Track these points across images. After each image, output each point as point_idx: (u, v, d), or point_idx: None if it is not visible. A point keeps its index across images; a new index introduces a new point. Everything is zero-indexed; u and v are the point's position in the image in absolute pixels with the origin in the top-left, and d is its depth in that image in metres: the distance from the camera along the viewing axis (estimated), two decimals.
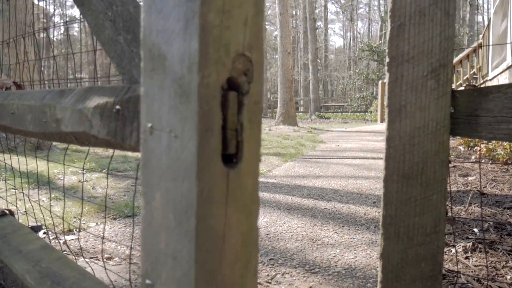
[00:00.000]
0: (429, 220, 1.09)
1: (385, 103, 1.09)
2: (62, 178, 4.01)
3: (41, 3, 49.53)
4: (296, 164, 5.03)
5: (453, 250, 1.71)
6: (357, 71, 21.96)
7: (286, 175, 4.23)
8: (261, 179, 3.93)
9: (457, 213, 2.44)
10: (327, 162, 5.23)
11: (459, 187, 3.29)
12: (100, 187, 3.57)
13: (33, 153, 6.26)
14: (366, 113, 22.35)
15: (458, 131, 1.13)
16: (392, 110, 1.09)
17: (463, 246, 1.77)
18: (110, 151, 6.51)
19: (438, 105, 1.06)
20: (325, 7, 37.61)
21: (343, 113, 27.82)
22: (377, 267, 1.84)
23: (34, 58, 6.87)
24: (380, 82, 12.58)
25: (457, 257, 1.58)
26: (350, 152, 6.35)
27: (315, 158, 5.61)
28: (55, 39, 50.73)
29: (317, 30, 29.93)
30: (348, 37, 56.48)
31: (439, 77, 1.08)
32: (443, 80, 1.07)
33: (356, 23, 49.62)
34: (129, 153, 6.03)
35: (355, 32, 50.60)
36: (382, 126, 11.86)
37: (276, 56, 55.27)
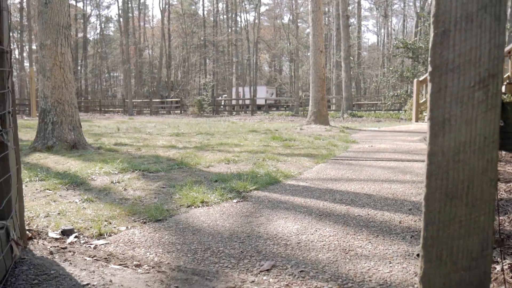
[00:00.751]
0: (476, 244, 1.00)
1: (427, 115, 1.01)
2: (95, 178, 4.06)
3: (79, 4, 50.81)
4: (328, 166, 4.93)
5: (498, 268, 1.60)
6: (391, 68, 21.48)
7: (317, 178, 4.15)
8: (291, 182, 3.87)
9: (501, 224, 2.31)
10: (360, 164, 5.10)
11: (501, 194, 3.12)
12: (132, 189, 3.59)
13: (69, 153, 6.40)
14: (400, 112, 21.85)
15: (509, 146, 1.02)
16: (435, 123, 1.01)
17: (509, 264, 1.65)
18: (143, 150, 6.59)
19: (487, 119, 0.97)
20: (359, 3, 37.03)
21: (376, 112, 27.32)
22: (415, 283, 1.75)
23: (71, 59, 7.02)
24: (415, 80, 12.24)
25: (504, 276, 1.47)
26: (384, 153, 6.19)
27: (347, 159, 5.50)
28: (91, 39, 51.93)
29: (350, 27, 29.47)
30: (382, 34, 55.47)
31: (487, 88, 0.98)
32: (492, 92, 0.97)
33: (390, 20, 48.63)
34: (161, 153, 6.08)
35: (389, 28, 49.61)
36: (417, 126, 11.54)
37: (308, 54, 54.88)
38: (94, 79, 52.74)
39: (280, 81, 47.05)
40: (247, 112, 33.65)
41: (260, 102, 39.83)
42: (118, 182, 3.85)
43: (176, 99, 37.27)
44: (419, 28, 23.78)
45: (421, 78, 12.43)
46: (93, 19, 52.77)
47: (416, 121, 12.17)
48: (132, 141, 8.29)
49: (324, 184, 3.83)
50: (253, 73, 47.28)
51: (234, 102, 37.71)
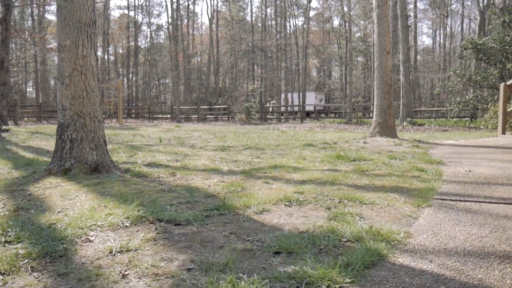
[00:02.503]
0: None
1: None
2: (92, 238, 2.62)
3: (131, 13, 51.15)
4: (440, 215, 3.25)
5: None
6: (457, 72, 19.11)
7: (439, 248, 2.49)
8: (404, 260, 2.22)
9: None
10: (484, 210, 3.38)
11: None
12: (137, 274, 2.09)
13: (88, 178, 5.07)
14: (473, 120, 19.41)
15: None
16: None
17: None
18: (178, 176, 5.14)
19: None
20: (415, 4, 34.46)
21: (437, 119, 24.81)
22: None
23: (95, 63, 5.72)
24: (502, 84, 10.17)
25: None
26: (501, 186, 4.40)
27: (458, 199, 3.78)
28: (142, 46, 52.05)
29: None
30: (438, 36, 52.06)
31: None
32: None
33: (450, 19, 45.33)
34: (199, 183, 4.62)
35: (448, 29, 46.29)
36: (508, 139, 9.47)
37: (359, 59, 52.39)
38: (144, 86, 52.86)
39: (332, 87, 44.91)
40: (296, 119, 31.95)
41: (309, 108, 38.04)
42: (121, 253, 2.37)
43: (224, 106, 36.19)
44: (490, 26, 21.21)
45: (509, 82, 10.31)
46: (144, 27, 53.02)
47: (503, 132, 10.07)
48: (169, 159, 6.90)
49: (459, 265, 2.18)
50: (302, 79, 45.57)
51: (282, 108, 36.10)
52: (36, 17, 42.81)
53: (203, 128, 19.83)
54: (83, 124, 5.49)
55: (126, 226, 2.89)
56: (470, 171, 5.59)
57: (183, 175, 5.25)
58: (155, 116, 36.85)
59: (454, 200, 3.74)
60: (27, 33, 25.89)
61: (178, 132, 15.99)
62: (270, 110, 36.93)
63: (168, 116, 35.79)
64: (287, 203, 3.60)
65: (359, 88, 43.96)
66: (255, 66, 48.18)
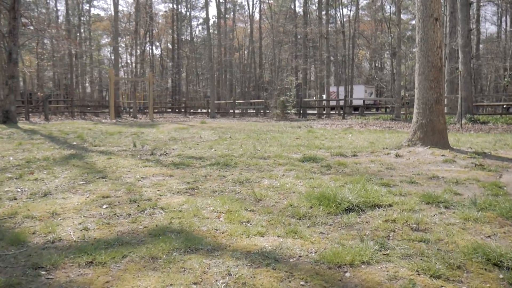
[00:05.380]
0: None
1: None
2: None
3: (175, 6, 48.96)
4: None
5: None
6: None
7: None
8: None
9: None
10: None
11: None
12: None
13: None
14: None
15: None
16: None
17: None
18: None
19: None
20: None
21: (504, 116, 20.13)
22: None
23: None
24: None
25: None
26: None
27: None
28: (184, 40, 50.01)
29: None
30: (504, 22, 45.53)
31: None
32: None
33: None
34: None
35: None
36: None
37: (414, 50, 46.95)
38: (187, 80, 50.83)
39: (378, 79, 40.30)
40: (341, 114, 28.11)
41: (357, 102, 33.91)
42: None
43: (259, 100, 33.04)
44: None
45: None
46: (189, 20, 50.83)
47: None
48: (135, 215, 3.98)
49: None
50: (349, 71, 41.38)
51: (324, 103, 32.27)
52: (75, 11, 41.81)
53: (225, 125, 16.84)
54: None
55: None
56: None
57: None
58: (191, 111, 34.45)
59: None
60: (45, 24, 24.09)
61: (189, 131, 13.13)
62: (312, 104, 33.27)
63: (205, 110, 33.25)
64: None
65: (411, 81, 39.00)
66: (300, 60, 44.52)
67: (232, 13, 51.36)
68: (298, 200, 3.63)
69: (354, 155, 6.76)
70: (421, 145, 6.87)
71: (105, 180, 4.74)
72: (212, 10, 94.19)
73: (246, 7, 47.16)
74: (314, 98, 41.90)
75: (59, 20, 39.01)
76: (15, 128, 13.46)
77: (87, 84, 52.21)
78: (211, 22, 48.62)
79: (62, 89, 37.22)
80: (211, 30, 47.41)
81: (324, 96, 33.61)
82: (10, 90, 17.57)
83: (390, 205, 3.41)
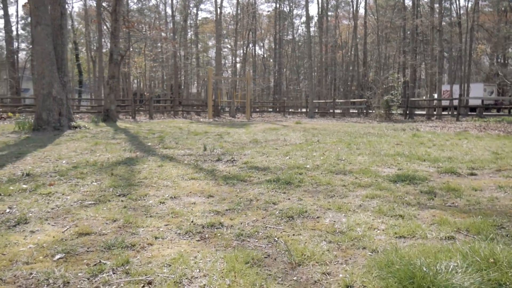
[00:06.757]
0: None
1: None
2: None
3: (278, 5, 48.53)
4: None
5: None
6: None
7: None
8: None
9: None
10: None
11: None
12: None
13: None
14: None
15: None
16: None
17: None
18: None
19: None
20: None
21: None
22: None
23: None
24: None
25: None
26: None
27: None
28: (286, 38, 49.17)
29: None
30: None
31: None
32: None
33: None
34: None
35: None
36: None
37: None
38: (291, 78, 50.02)
39: (510, 76, 35.04)
40: (455, 115, 24.73)
41: (475, 102, 29.76)
42: None
43: (361, 100, 30.74)
44: None
45: None
46: (292, 19, 49.96)
47: None
48: None
49: None
50: (465, 67, 36.79)
51: (435, 102, 28.86)
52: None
53: (320, 126, 15.45)
54: None
55: None
56: None
57: None
58: (290, 110, 33.52)
59: None
60: (145, 26, 24.89)
61: (278, 132, 12.10)
62: (423, 104, 30.05)
63: (304, 110, 32.07)
64: None
65: None
66: (407, 54, 40.87)
67: (335, 10, 49.24)
68: (365, 274, 2.19)
69: (472, 174, 5.00)
70: None
71: (121, 200, 3.77)
72: (315, 8, 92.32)
73: (350, 2, 44.55)
74: (424, 97, 38.05)
75: (168, 24, 40.83)
76: (109, 127, 13.65)
77: (195, 84, 54.26)
78: (314, 19, 47.19)
79: (169, 89, 38.96)
80: (314, 28, 45.95)
81: (435, 96, 30.08)
82: (111, 90, 18.16)
83: None
